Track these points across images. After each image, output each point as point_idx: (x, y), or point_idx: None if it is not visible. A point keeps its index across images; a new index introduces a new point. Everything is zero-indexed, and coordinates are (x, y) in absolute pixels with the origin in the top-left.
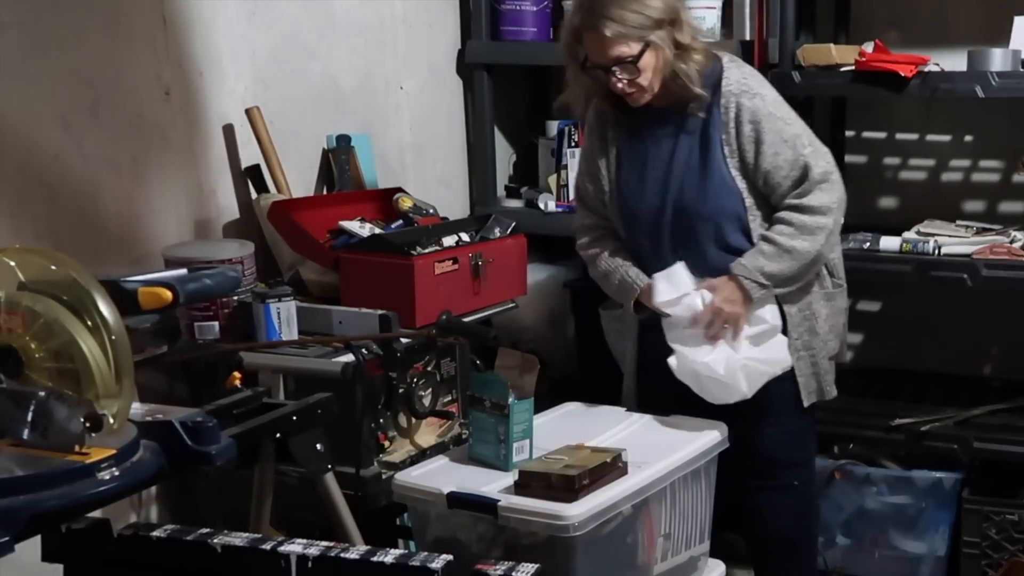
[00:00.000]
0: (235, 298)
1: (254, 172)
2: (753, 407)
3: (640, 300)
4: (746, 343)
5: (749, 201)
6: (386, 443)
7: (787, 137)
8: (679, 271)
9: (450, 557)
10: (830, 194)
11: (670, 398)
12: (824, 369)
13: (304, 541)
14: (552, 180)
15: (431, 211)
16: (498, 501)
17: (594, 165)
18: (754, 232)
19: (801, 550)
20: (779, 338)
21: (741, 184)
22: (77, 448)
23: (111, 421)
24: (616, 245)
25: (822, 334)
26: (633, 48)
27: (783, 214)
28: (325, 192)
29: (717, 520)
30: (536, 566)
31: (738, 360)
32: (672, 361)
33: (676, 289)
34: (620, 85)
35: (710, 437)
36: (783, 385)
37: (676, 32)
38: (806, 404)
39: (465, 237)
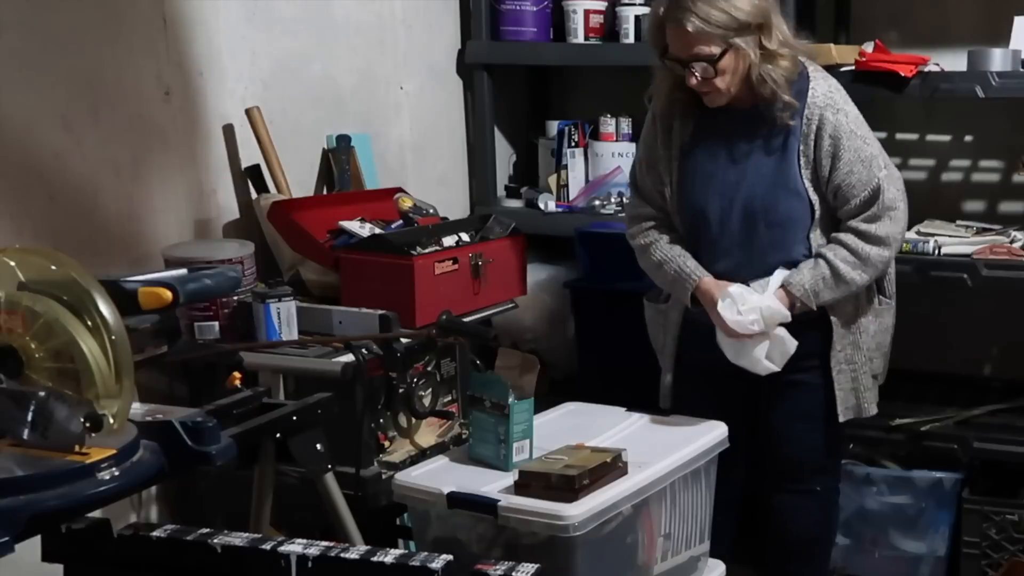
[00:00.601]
0: (235, 298)
1: (254, 172)
2: (789, 410)
3: (696, 294)
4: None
5: (818, 213)
6: (386, 443)
7: (864, 156)
8: (745, 293)
9: (450, 557)
10: (896, 224)
11: (707, 396)
12: (864, 386)
13: (304, 541)
14: (552, 180)
15: (431, 211)
16: (498, 501)
17: (655, 156)
18: (814, 243)
19: (817, 555)
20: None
21: (813, 196)
22: (77, 448)
23: (111, 421)
24: (673, 235)
25: (866, 350)
26: (714, 49)
27: (848, 238)
28: (325, 192)
29: (732, 524)
30: (536, 566)
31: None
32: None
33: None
34: (694, 82)
35: (710, 437)
36: (822, 394)
37: (764, 37)
38: (842, 419)
39: (465, 237)
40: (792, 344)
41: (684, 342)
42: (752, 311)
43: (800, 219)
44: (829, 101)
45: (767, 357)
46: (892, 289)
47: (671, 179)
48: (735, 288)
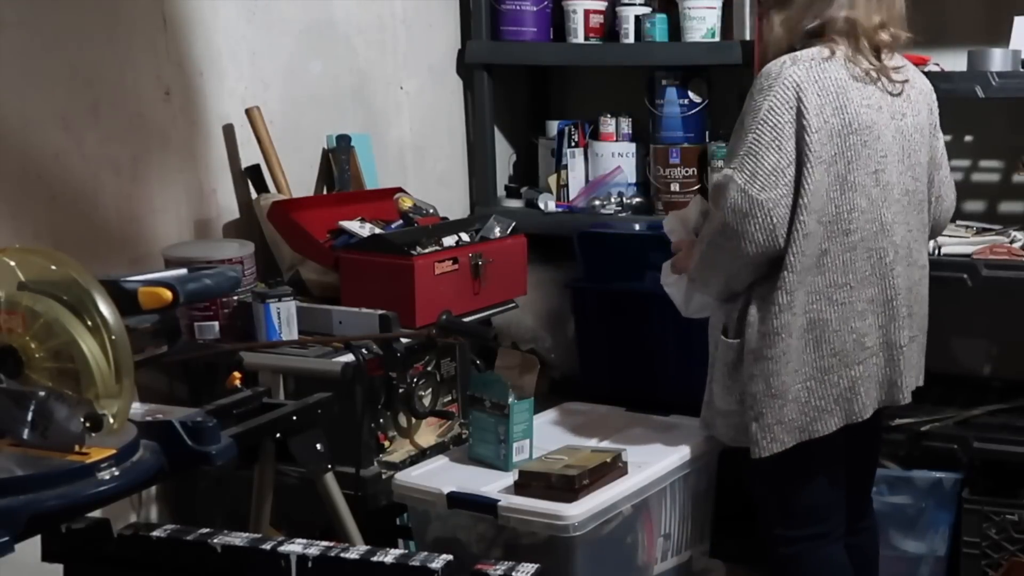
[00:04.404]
0: (235, 298)
1: (254, 172)
2: None
3: None
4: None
5: None
6: (386, 443)
7: (731, 150)
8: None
9: (450, 557)
10: (709, 225)
11: None
12: (709, 405)
13: (304, 541)
14: (552, 180)
15: (431, 211)
16: (498, 501)
17: None
18: None
19: None
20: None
21: None
22: (77, 448)
23: (111, 421)
24: None
25: (716, 367)
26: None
27: None
28: (325, 192)
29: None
30: (536, 566)
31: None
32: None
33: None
34: None
35: (710, 437)
36: None
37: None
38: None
39: (465, 237)
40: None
41: None
42: (675, 218)
43: None
44: (752, 84)
45: (671, 291)
46: (740, 326)
47: None
48: (697, 197)
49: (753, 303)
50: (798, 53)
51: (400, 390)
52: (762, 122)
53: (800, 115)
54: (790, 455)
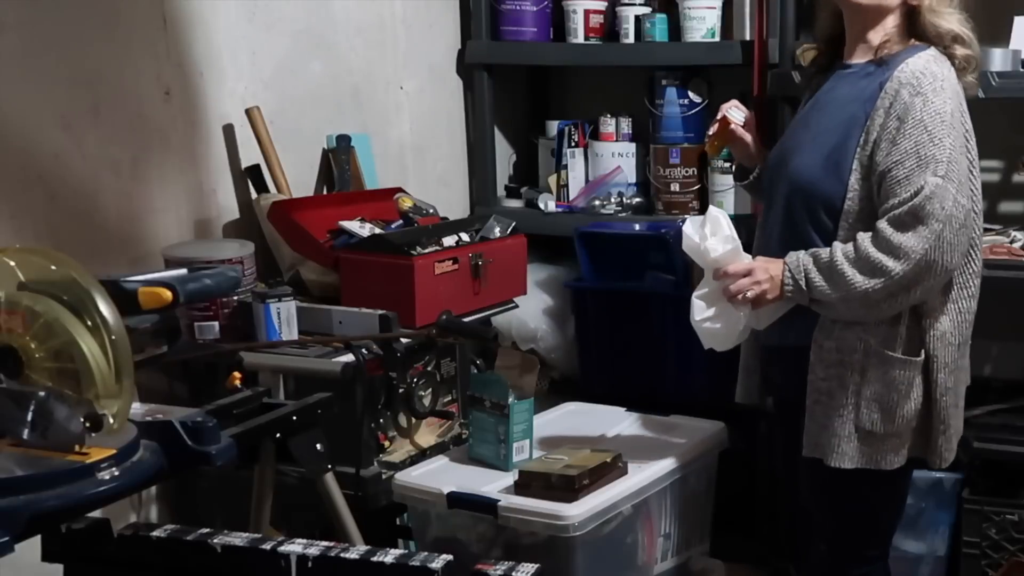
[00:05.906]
0: (235, 298)
1: (254, 172)
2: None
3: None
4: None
5: (849, 204)
6: (386, 443)
7: (924, 154)
8: (720, 218)
9: (450, 557)
10: (923, 240)
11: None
12: (835, 431)
13: (304, 541)
14: (552, 180)
15: (431, 211)
16: (498, 501)
17: None
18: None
19: None
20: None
21: (854, 182)
22: (77, 448)
23: (111, 421)
24: None
25: (850, 388)
26: None
27: (861, 234)
28: (325, 192)
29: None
30: (536, 566)
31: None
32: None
33: (714, 234)
34: None
35: (710, 437)
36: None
37: None
38: (805, 453)
39: (465, 237)
40: (740, 325)
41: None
42: (726, 241)
43: (833, 203)
44: (912, 80)
45: (717, 327)
46: (937, 351)
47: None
48: (717, 211)
49: (940, 317)
50: (931, 52)
51: (400, 390)
52: (951, 126)
53: (964, 119)
54: (908, 468)
